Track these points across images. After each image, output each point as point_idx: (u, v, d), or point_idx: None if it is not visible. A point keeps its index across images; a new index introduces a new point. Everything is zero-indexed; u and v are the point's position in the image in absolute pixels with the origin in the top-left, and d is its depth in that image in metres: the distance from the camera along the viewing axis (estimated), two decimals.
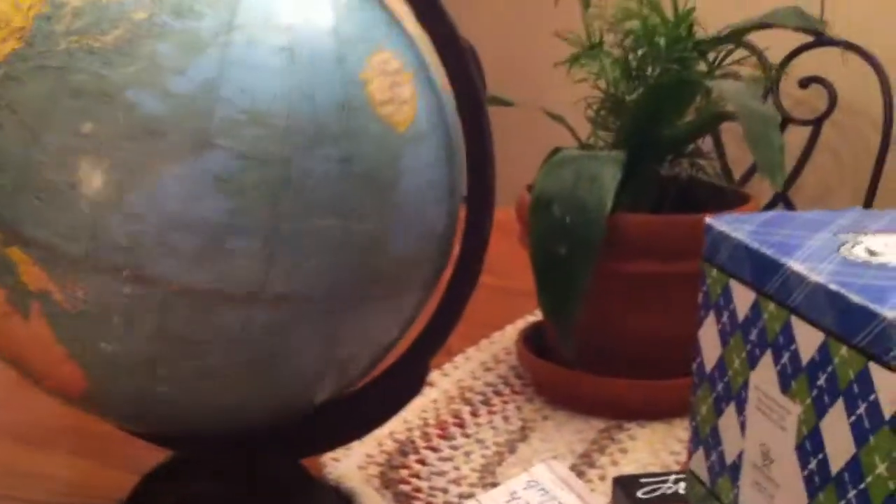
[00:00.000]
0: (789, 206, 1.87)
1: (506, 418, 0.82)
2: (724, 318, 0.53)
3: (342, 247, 0.52)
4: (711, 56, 0.84)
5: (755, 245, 0.50)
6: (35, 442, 0.81)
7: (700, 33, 0.83)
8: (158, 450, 0.68)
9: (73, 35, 0.49)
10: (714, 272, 0.54)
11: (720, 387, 0.54)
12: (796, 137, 1.86)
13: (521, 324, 0.98)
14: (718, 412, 0.54)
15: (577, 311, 0.76)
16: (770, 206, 1.85)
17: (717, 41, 0.83)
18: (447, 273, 0.61)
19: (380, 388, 0.64)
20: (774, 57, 1.44)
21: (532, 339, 0.88)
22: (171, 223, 0.48)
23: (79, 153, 0.48)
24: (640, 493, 0.64)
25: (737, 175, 1.86)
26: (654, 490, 0.64)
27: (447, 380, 0.88)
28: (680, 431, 0.79)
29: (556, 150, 0.82)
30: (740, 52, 0.86)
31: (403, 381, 0.64)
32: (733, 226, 0.53)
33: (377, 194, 0.52)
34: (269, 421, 0.59)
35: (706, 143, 0.89)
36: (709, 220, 0.55)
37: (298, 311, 0.52)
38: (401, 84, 0.54)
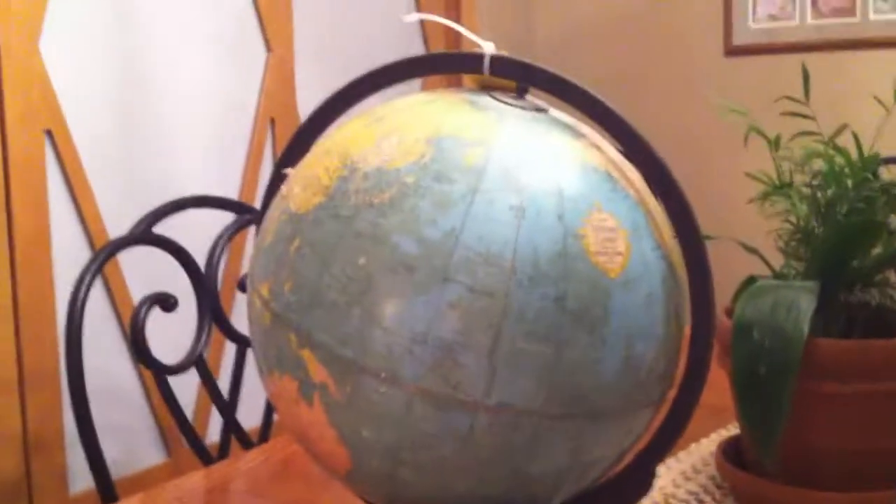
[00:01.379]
0: None
1: None
2: None
3: (555, 369, 0.63)
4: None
5: None
6: None
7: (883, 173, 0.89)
8: None
9: (360, 193, 0.65)
10: None
11: None
12: None
13: (716, 437, 1.05)
14: None
15: (779, 428, 0.83)
16: None
17: None
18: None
19: (612, 489, 0.74)
20: None
21: (730, 452, 0.95)
22: (417, 338, 0.62)
23: (355, 280, 0.63)
24: None
25: None
26: None
27: (652, 488, 0.96)
28: None
29: (752, 279, 0.91)
30: None
31: (634, 483, 0.74)
32: None
33: (587, 328, 0.64)
34: None
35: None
36: None
37: (517, 420, 0.64)
38: (615, 239, 0.66)
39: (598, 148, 0.70)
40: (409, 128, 0.67)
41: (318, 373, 0.65)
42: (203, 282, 1.36)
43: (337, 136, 0.71)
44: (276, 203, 0.71)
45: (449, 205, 0.63)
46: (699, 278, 0.69)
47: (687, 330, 0.71)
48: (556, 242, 0.63)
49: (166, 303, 1.28)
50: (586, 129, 0.71)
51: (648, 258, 0.67)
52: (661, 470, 1.00)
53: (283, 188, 0.71)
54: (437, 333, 0.62)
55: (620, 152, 0.72)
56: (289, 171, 0.72)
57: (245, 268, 2.26)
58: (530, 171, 0.65)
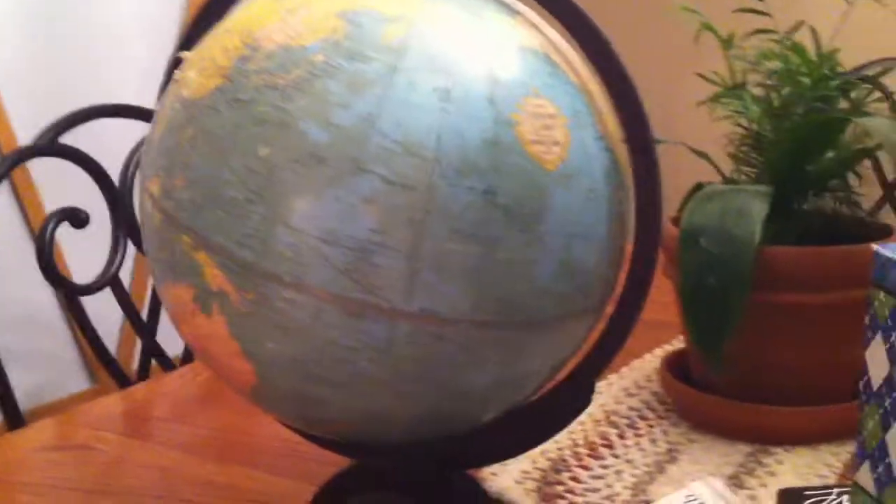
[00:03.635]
0: None
1: (652, 441, 0.85)
2: (893, 339, 0.57)
3: (484, 272, 0.56)
4: (853, 94, 0.85)
5: None
6: (214, 455, 0.87)
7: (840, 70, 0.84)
8: (328, 464, 0.73)
9: (262, 73, 0.57)
10: (882, 295, 0.57)
11: (888, 403, 0.57)
12: None
13: (659, 352, 1.01)
14: (886, 427, 0.58)
15: (727, 341, 0.78)
16: None
17: (861, 80, 0.85)
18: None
19: (549, 404, 0.68)
20: None
21: (675, 367, 0.91)
22: (327, 238, 0.54)
23: (256, 173, 0.55)
24: None
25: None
26: (819, 501, 0.66)
27: (593, 404, 0.90)
28: (826, 456, 0.81)
29: (699, 185, 0.85)
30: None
31: (572, 398, 0.68)
32: None
33: (521, 226, 0.57)
34: (433, 433, 0.63)
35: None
36: (877, 247, 0.58)
37: (442, 329, 0.57)
38: (553, 127, 0.58)
39: (536, 27, 0.62)
40: (319, 1, 0.59)
41: (215, 279, 0.57)
42: (117, 196, 1.27)
43: (239, 14, 0.62)
44: (170, 90, 0.63)
45: (364, 86, 0.55)
46: (645, 171, 0.62)
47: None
48: (485, 130, 0.56)
49: (77, 218, 1.19)
50: (522, 6, 0.63)
51: (590, 150, 0.60)
52: (602, 386, 0.95)
53: (177, 73, 0.63)
54: (350, 232, 0.54)
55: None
56: (185, 54, 0.64)
57: None
58: (458, 51, 0.57)
